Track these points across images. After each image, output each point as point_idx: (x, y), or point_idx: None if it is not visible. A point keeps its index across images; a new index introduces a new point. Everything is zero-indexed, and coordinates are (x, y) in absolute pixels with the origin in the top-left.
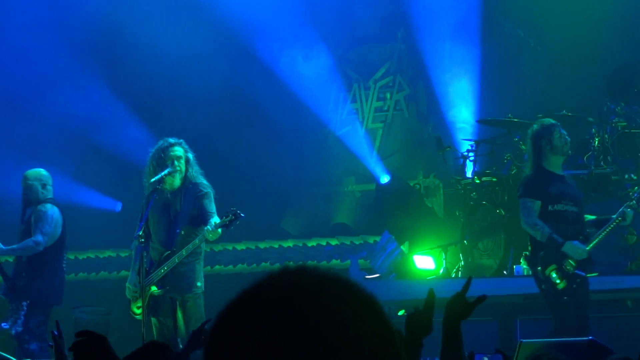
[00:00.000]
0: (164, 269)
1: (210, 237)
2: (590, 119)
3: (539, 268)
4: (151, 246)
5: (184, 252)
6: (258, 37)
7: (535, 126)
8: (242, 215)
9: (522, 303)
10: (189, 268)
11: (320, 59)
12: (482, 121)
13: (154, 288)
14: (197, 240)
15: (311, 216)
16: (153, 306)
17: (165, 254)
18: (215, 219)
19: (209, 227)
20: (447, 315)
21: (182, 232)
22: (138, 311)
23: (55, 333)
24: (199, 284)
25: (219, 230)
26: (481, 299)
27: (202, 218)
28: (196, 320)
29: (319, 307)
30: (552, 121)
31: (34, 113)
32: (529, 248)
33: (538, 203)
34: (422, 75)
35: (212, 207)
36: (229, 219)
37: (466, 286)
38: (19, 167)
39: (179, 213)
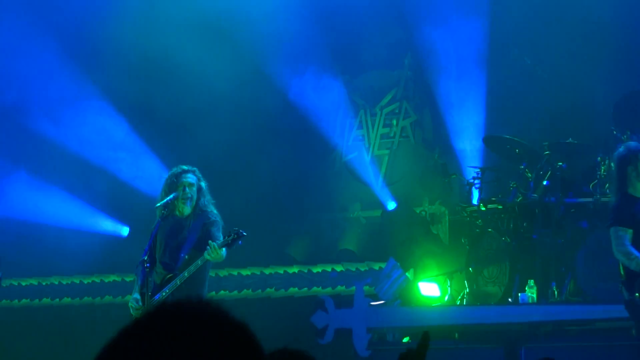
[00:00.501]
0: (165, 292)
1: (212, 256)
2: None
3: (637, 294)
4: (155, 270)
5: (185, 273)
6: (268, 61)
7: (621, 150)
8: (244, 234)
9: (526, 331)
10: (189, 289)
11: (328, 85)
12: (488, 138)
13: None
14: (199, 261)
15: (317, 242)
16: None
17: (168, 277)
18: (217, 241)
19: (208, 246)
20: None
21: (187, 257)
22: None
23: None
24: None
25: (223, 251)
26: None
27: (207, 244)
28: None
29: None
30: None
31: (44, 134)
32: (622, 275)
33: (630, 231)
34: (429, 102)
35: (218, 235)
36: (231, 237)
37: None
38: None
39: (186, 239)
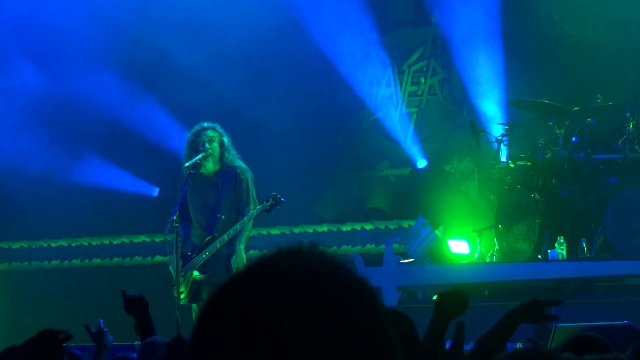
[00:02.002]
0: (205, 254)
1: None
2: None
3: None
4: (193, 232)
5: (225, 237)
6: (292, 19)
7: None
8: (283, 200)
9: (556, 287)
10: (229, 251)
11: (355, 43)
12: (516, 102)
13: (195, 273)
14: (238, 225)
15: (345, 201)
16: (195, 291)
17: (207, 239)
18: (253, 208)
19: (245, 218)
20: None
21: (223, 217)
22: (182, 295)
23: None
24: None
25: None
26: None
27: (242, 202)
28: None
29: (308, 298)
30: None
31: (71, 99)
32: None
33: None
34: (456, 59)
35: (252, 191)
36: (269, 203)
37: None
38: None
39: (219, 198)
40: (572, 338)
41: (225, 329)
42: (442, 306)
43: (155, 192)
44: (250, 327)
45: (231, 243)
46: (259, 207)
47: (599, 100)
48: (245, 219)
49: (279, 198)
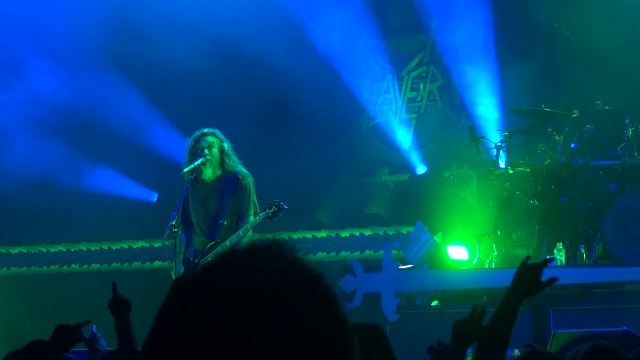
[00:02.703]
0: (207, 260)
1: (250, 233)
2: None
3: None
4: (194, 237)
5: (227, 243)
6: (290, 24)
7: None
8: (285, 207)
9: (555, 294)
10: None
11: (355, 49)
12: (515, 111)
13: None
14: (240, 232)
15: (344, 207)
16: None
17: (209, 245)
18: (253, 213)
19: (248, 225)
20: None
21: (225, 223)
22: None
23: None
24: None
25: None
26: (552, 280)
27: (243, 208)
28: None
29: (263, 300)
30: None
31: (71, 105)
32: None
33: None
34: (455, 66)
35: (253, 196)
36: (272, 210)
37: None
38: (56, 155)
39: (221, 204)
40: (588, 349)
41: (183, 332)
42: (459, 332)
43: (154, 197)
44: (206, 329)
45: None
46: (261, 214)
47: (597, 107)
48: (248, 225)
49: (282, 205)
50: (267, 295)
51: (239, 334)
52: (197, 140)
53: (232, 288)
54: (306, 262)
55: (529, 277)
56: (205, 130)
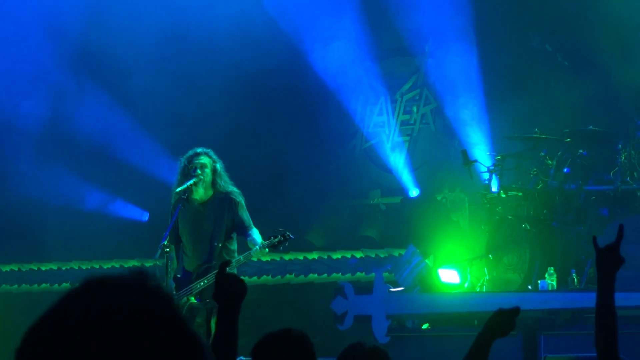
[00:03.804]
0: (204, 282)
1: (256, 257)
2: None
3: None
4: (185, 258)
5: (237, 261)
6: (286, 46)
7: None
8: (292, 237)
9: (546, 318)
10: None
11: (348, 71)
12: (509, 137)
13: (192, 299)
14: (242, 257)
15: (336, 229)
16: (190, 317)
17: (205, 266)
18: (256, 231)
19: (256, 246)
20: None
21: (220, 245)
22: None
23: None
24: None
25: (266, 250)
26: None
27: (238, 229)
28: None
29: (108, 330)
30: None
31: (62, 123)
32: None
33: None
34: (449, 89)
35: (247, 216)
36: (277, 239)
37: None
38: (46, 174)
39: (215, 226)
40: None
41: None
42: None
43: (146, 217)
44: None
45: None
46: (266, 242)
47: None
48: (252, 251)
49: (288, 235)
50: (103, 331)
51: None
52: (190, 160)
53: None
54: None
55: (504, 321)
56: (199, 150)
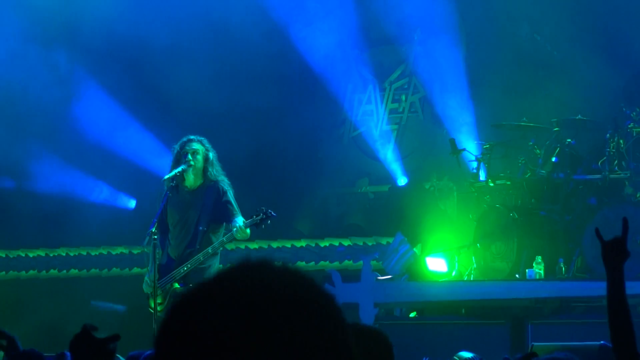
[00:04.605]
0: (187, 267)
1: (239, 236)
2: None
3: None
4: (169, 243)
5: (209, 250)
6: (274, 33)
7: None
8: (274, 214)
9: (533, 307)
10: (209, 264)
11: (336, 60)
12: (497, 125)
13: (176, 285)
14: (224, 239)
15: (324, 217)
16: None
17: (188, 251)
18: (241, 218)
19: (237, 224)
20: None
21: (205, 229)
22: (159, 307)
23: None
24: None
25: (248, 230)
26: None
27: (225, 216)
28: None
29: (273, 311)
30: None
31: (45, 107)
32: None
33: None
34: (437, 78)
35: (234, 203)
36: (259, 217)
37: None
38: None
39: (201, 212)
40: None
41: (188, 346)
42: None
43: (133, 204)
44: (212, 343)
45: (212, 256)
46: (248, 221)
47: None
48: (234, 231)
49: (270, 213)
50: (266, 311)
51: (241, 351)
52: (183, 145)
53: (230, 305)
54: (313, 282)
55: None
56: (192, 137)
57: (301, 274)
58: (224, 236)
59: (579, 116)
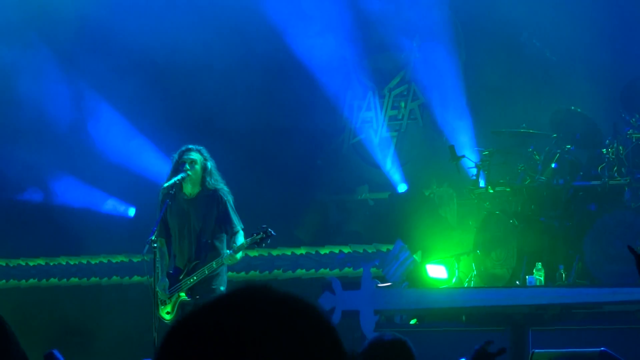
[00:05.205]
0: (193, 279)
1: (228, 262)
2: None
3: None
4: (174, 253)
5: (214, 264)
6: (273, 40)
7: None
8: (274, 233)
9: (534, 313)
10: (216, 273)
11: (336, 66)
12: (497, 132)
13: (182, 295)
14: (214, 263)
15: (324, 224)
16: (182, 314)
17: (194, 263)
18: (241, 235)
19: (226, 252)
20: None
21: (209, 241)
22: (167, 317)
23: None
24: (222, 288)
25: (238, 255)
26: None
27: (227, 223)
28: None
29: (268, 340)
30: None
31: (48, 118)
32: None
33: None
34: (436, 85)
35: (234, 215)
36: (260, 236)
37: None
38: (33, 169)
39: (204, 223)
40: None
41: (201, 346)
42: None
43: (132, 212)
44: (225, 345)
45: (217, 268)
46: (248, 239)
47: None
48: (235, 248)
49: (270, 231)
50: (265, 338)
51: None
52: (181, 155)
53: (229, 332)
54: (297, 299)
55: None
56: (191, 146)
57: (307, 300)
58: (214, 260)
59: (573, 107)
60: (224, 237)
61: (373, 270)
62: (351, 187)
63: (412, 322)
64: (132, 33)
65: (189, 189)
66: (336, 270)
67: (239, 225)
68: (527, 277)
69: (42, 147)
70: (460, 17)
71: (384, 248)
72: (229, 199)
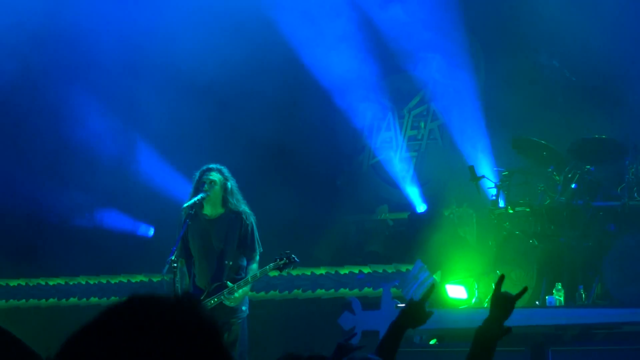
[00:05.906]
0: (214, 300)
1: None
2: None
3: None
4: (194, 272)
5: (235, 287)
6: (293, 61)
7: None
8: (297, 260)
9: (554, 334)
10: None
11: (355, 87)
12: (517, 141)
13: None
14: (249, 278)
15: (344, 244)
16: None
17: (215, 285)
18: (255, 265)
19: (258, 273)
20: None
21: (230, 263)
22: None
23: None
24: (244, 307)
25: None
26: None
27: (247, 247)
28: (240, 343)
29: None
30: None
31: (71, 141)
32: None
33: None
34: (455, 105)
35: (256, 234)
36: (283, 262)
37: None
38: (52, 190)
39: (226, 244)
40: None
41: None
42: (407, 316)
43: (151, 232)
44: None
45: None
46: (271, 264)
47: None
48: (258, 273)
49: (293, 257)
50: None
51: None
52: (202, 175)
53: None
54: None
55: (414, 313)
56: (212, 165)
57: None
58: (219, 294)
59: (594, 134)
60: (245, 260)
61: (393, 290)
62: (371, 208)
63: (432, 342)
64: (159, 54)
65: (209, 210)
66: (356, 290)
67: (258, 250)
68: (546, 297)
69: (62, 169)
70: (480, 38)
71: (403, 268)
72: (252, 221)
